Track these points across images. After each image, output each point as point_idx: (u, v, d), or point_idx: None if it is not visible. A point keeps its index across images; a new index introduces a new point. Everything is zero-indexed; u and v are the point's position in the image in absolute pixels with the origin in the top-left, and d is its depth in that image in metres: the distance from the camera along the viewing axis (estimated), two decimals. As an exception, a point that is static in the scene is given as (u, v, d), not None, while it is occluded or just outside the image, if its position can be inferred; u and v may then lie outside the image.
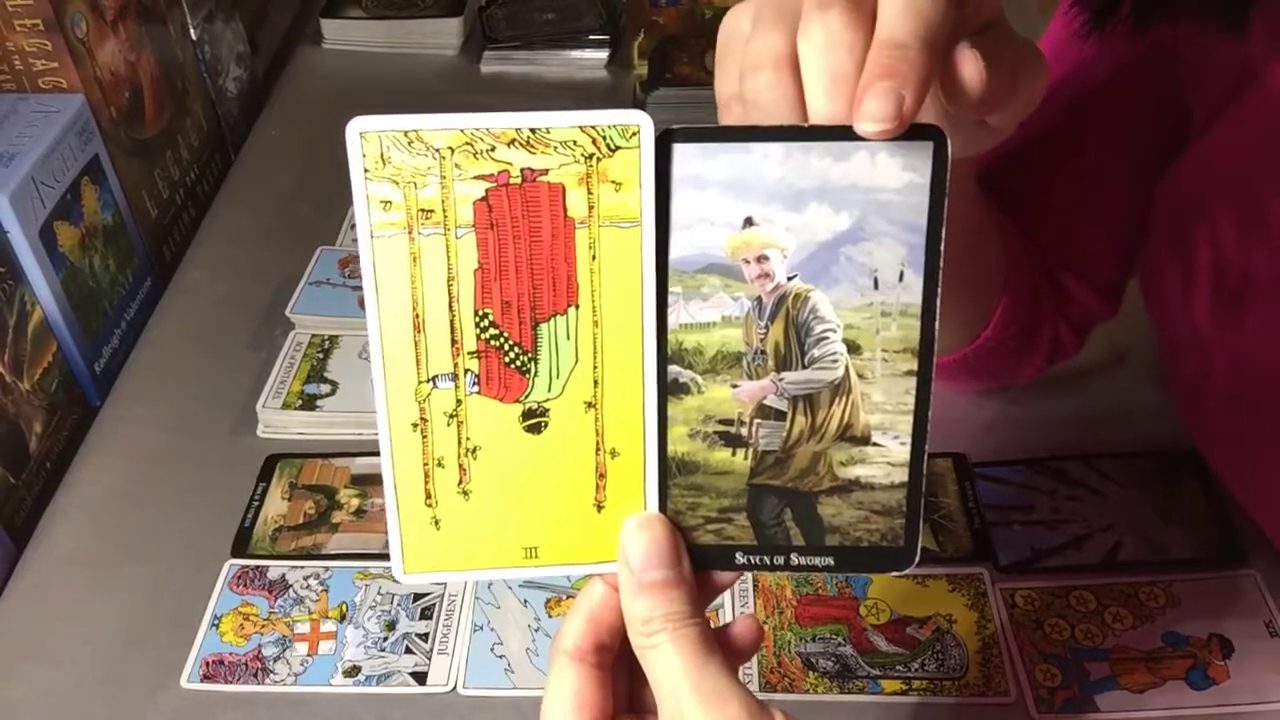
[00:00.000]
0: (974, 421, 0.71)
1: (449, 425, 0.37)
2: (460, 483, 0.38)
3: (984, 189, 0.60)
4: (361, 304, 0.83)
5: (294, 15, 1.21)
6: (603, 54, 1.12)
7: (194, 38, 0.97)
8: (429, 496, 0.38)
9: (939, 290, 0.36)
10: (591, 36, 1.12)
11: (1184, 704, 0.57)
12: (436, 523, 0.38)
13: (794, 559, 0.38)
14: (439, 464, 0.37)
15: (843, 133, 0.34)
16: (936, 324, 0.36)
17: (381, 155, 0.35)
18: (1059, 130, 0.63)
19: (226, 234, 0.92)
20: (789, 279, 0.36)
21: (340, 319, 0.80)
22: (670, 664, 0.36)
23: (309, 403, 0.74)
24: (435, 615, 0.62)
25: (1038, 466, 0.68)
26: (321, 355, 0.77)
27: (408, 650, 0.61)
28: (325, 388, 0.75)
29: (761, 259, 0.36)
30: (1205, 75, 0.56)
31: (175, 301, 0.85)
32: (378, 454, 0.69)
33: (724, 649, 0.37)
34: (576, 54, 1.12)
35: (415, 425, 0.37)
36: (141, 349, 0.81)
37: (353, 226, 0.90)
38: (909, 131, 0.34)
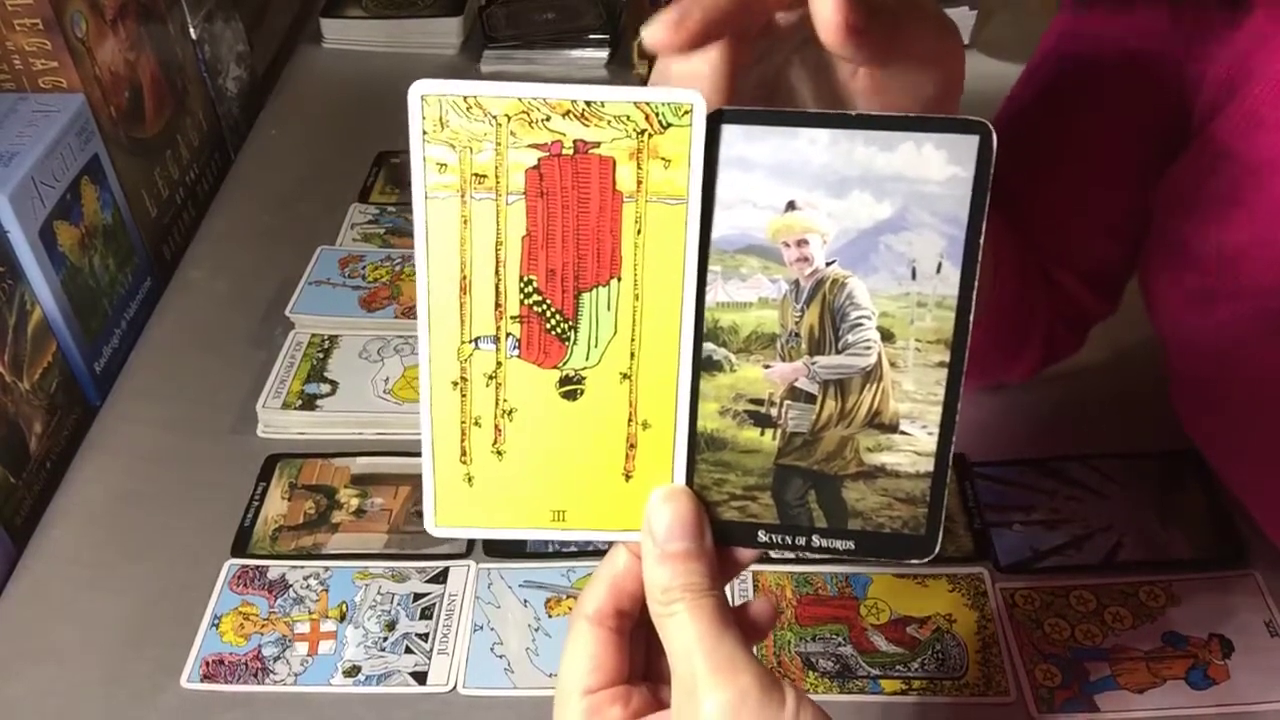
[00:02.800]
0: (974, 421, 0.71)
1: (488, 386, 0.38)
2: (495, 442, 0.38)
3: None
4: (362, 304, 0.84)
5: (294, 15, 1.21)
6: (602, 54, 1.12)
7: (194, 37, 0.97)
8: (464, 454, 0.38)
9: (976, 284, 0.36)
10: (591, 36, 1.12)
11: (1184, 704, 0.57)
12: (470, 479, 0.39)
13: (815, 540, 0.39)
14: (476, 423, 0.38)
15: (890, 121, 0.35)
16: (972, 317, 0.36)
17: (440, 118, 0.35)
18: (1056, 126, 0.63)
19: (226, 233, 0.92)
20: (828, 264, 0.36)
21: (340, 318, 0.80)
22: (686, 633, 0.36)
23: (309, 402, 0.74)
24: (435, 615, 0.62)
25: (1038, 466, 0.68)
26: (321, 355, 0.77)
27: (408, 650, 0.61)
28: (325, 387, 0.75)
29: (801, 243, 0.36)
30: (1205, 73, 0.56)
31: (175, 301, 0.85)
32: (378, 454, 0.70)
33: (741, 627, 0.38)
34: (576, 53, 1.12)
35: (455, 384, 0.38)
36: (141, 349, 0.81)
37: (353, 225, 0.90)
38: (956, 124, 0.34)
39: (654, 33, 0.34)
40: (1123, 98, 0.60)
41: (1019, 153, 0.63)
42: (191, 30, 0.96)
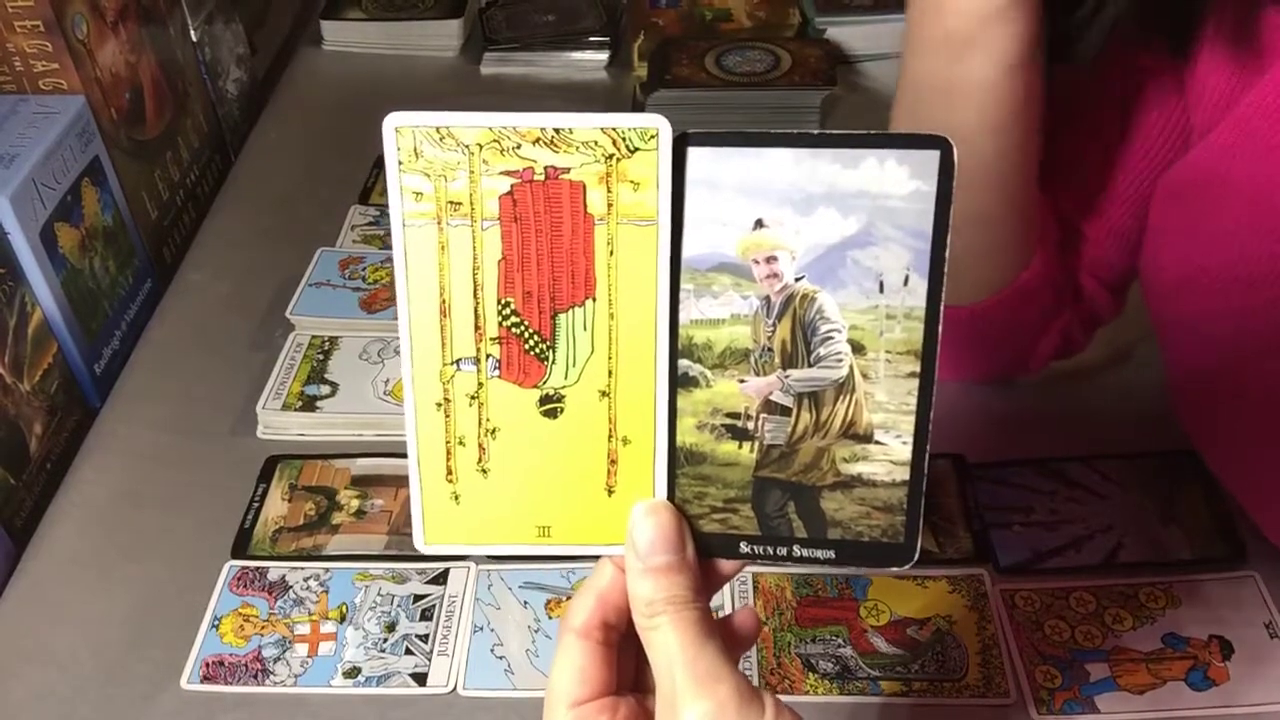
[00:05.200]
0: (974, 422, 0.71)
1: (470, 406, 0.38)
2: (479, 461, 0.39)
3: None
4: (362, 305, 0.84)
5: (294, 17, 1.21)
6: (603, 55, 1.12)
7: (194, 39, 0.97)
8: (450, 473, 0.39)
9: (943, 295, 0.36)
10: (591, 38, 1.12)
11: (1184, 705, 0.57)
12: (456, 498, 0.39)
13: (796, 550, 0.39)
14: (460, 442, 0.39)
15: (852, 140, 0.35)
16: (940, 328, 0.37)
17: (415, 149, 0.36)
18: (1071, 130, 0.63)
19: (226, 235, 0.92)
20: (797, 280, 0.37)
21: (340, 320, 0.80)
22: (669, 644, 0.37)
23: (309, 404, 0.74)
24: (435, 616, 0.62)
25: (1038, 467, 0.68)
26: (321, 356, 0.77)
27: (408, 651, 0.61)
28: (325, 389, 0.75)
29: (770, 260, 0.37)
30: (1207, 82, 0.56)
31: (175, 303, 0.85)
32: (378, 455, 0.71)
33: (724, 638, 0.38)
34: (576, 55, 1.12)
35: (439, 405, 0.38)
36: (141, 350, 0.81)
37: (353, 227, 0.90)
38: (916, 140, 0.35)
39: None
40: (1132, 102, 0.60)
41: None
42: (192, 32, 0.96)
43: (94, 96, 0.79)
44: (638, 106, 1.03)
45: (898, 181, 0.35)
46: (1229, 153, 0.55)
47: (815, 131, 0.36)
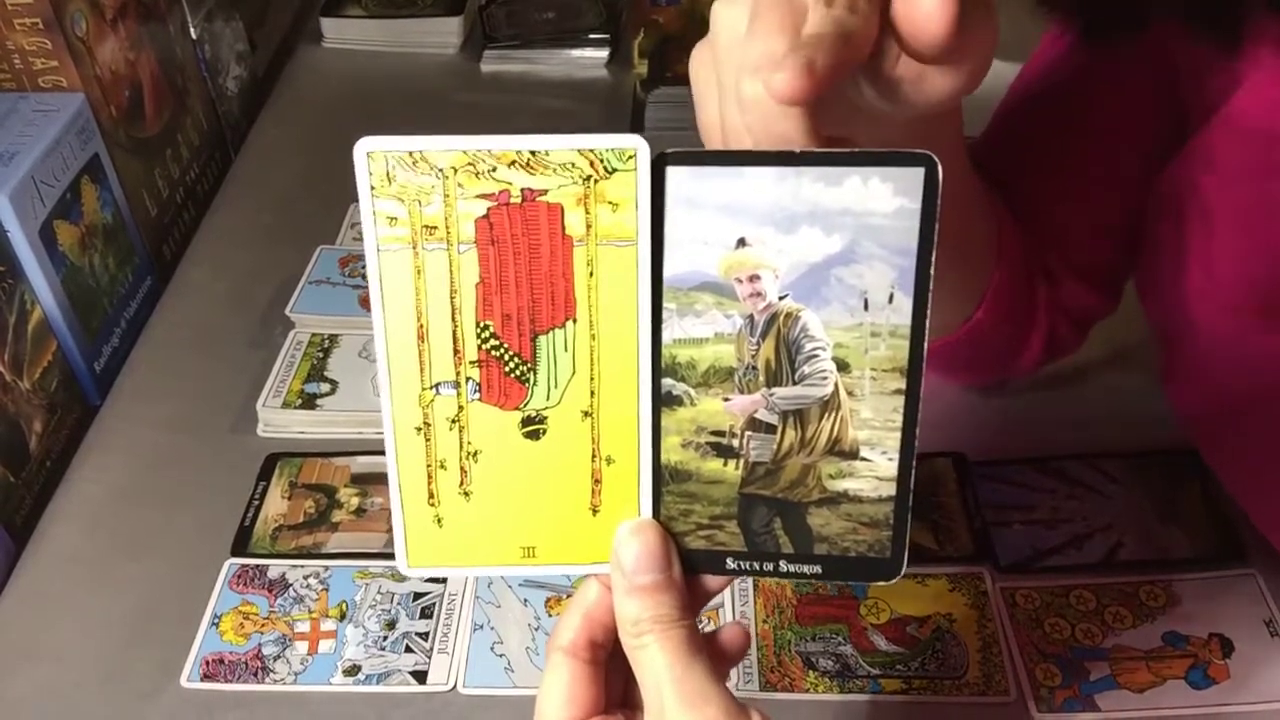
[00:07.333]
0: (974, 421, 0.71)
1: (451, 430, 0.38)
2: (461, 484, 0.39)
3: (976, 168, 0.60)
4: (362, 303, 0.84)
5: (294, 14, 1.21)
6: (603, 53, 1.12)
7: (194, 36, 0.97)
8: (432, 496, 0.39)
9: (928, 313, 0.36)
10: (592, 35, 1.12)
11: (1184, 703, 0.57)
12: (439, 521, 0.39)
13: (783, 566, 0.40)
14: (441, 466, 0.39)
15: (835, 157, 0.35)
16: (925, 345, 0.37)
17: (387, 174, 0.36)
18: (1054, 124, 0.63)
19: (226, 233, 0.92)
20: (780, 298, 0.37)
21: (340, 318, 0.80)
22: (656, 663, 0.37)
23: (309, 402, 0.74)
24: (435, 614, 0.62)
25: (1038, 466, 0.68)
26: (321, 354, 0.77)
27: (408, 649, 0.61)
28: (325, 387, 0.75)
29: (753, 278, 0.37)
30: (1199, 74, 0.56)
31: (175, 300, 0.85)
32: (378, 453, 0.71)
33: (712, 654, 0.38)
34: (576, 53, 1.12)
35: (419, 429, 0.38)
36: (141, 348, 0.81)
37: (353, 225, 0.90)
38: (901, 157, 0.35)
39: (788, 82, 0.33)
40: (1121, 100, 0.60)
41: (1015, 150, 0.63)
42: (192, 29, 0.96)
43: (93, 94, 0.79)
44: (638, 104, 1.02)
45: (882, 199, 0.35)
46: (1223, 144, 0.54)
47: (797, 150, 0.35)
